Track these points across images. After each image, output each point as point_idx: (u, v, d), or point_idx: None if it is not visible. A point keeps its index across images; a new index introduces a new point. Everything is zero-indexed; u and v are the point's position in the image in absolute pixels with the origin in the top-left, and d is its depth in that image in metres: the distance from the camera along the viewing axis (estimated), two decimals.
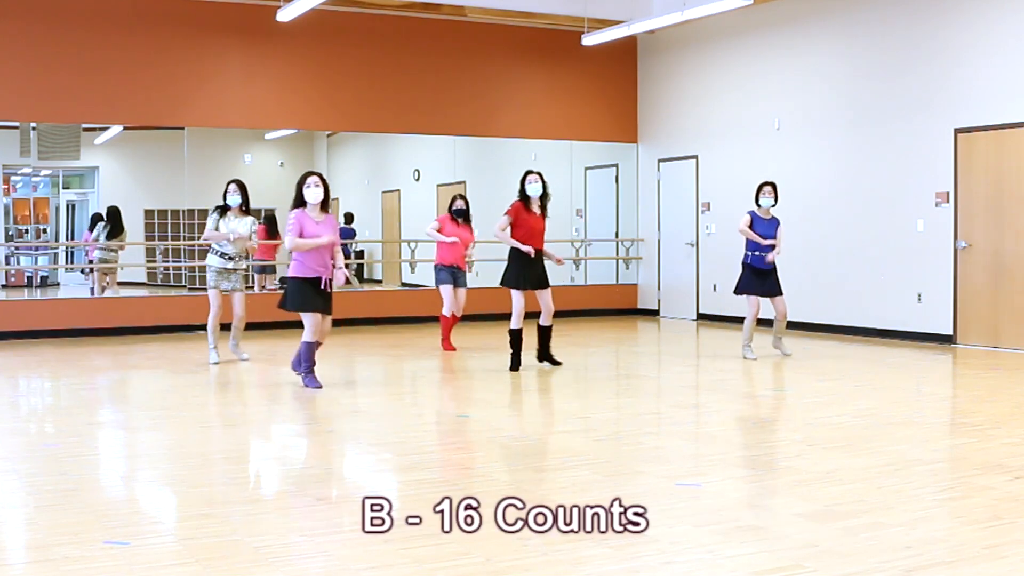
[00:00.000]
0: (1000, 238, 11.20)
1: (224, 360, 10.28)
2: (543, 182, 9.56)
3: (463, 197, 11.46)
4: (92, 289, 14.69)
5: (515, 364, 9.59)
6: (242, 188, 10.04)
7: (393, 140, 17.52)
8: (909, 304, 12.11)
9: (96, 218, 15.31)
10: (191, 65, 13.64)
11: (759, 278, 10.40)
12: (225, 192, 10.04)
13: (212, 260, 10.08)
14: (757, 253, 10.36)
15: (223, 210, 10.01)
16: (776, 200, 10.44)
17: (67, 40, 12.99)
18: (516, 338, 9.55)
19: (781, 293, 10.50)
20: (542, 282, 9.63)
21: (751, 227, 10.36)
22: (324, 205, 8.40)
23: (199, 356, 10.91)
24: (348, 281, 12.47)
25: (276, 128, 15.93)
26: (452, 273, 11.14)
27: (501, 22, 14.84)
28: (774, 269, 10.44)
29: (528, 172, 9.62)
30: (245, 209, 10.03)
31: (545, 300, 9.64)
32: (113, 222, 14.58)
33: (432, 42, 14.83)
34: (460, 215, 11.26)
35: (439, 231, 11.14)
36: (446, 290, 11.12)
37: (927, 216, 11.89)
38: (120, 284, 15.03)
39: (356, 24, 14.30)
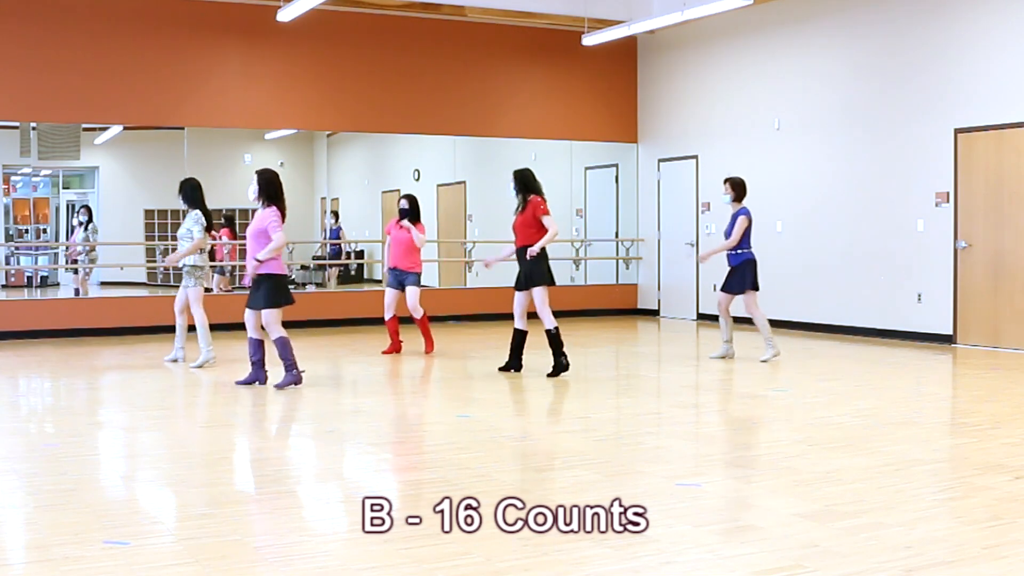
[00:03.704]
0: (1000, 238, 11.20)
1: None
2: (515, 180, 9.15)
3: (406, 196, 11.39)
4: (78, 290, 14.69)
5: (510, 364, 9.45)
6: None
7: (393, 140, 17.51)
8: (909, 304, 12.11)
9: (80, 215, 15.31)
10: (191, 65, 13.63)
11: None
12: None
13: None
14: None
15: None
16: (735, 196, 10.18)
17: (67, 40, 12.98)
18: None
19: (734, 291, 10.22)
20: (517, 282, 9.23)
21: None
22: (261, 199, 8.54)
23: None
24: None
25: (276, 128, 15.92)
26: (395, 275, 11.23)
27: (501, 22, 14.83)
28: (735, 267, 10.20)
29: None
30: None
31: (518, 301, 9.24)
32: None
33: (432, 42, 14.82)
34: (403, 215, 11.21)
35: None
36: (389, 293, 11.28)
37: (927, 216, 11.89)
38: (119, 284, 15.01)
39: (356, 24, 14.30)
